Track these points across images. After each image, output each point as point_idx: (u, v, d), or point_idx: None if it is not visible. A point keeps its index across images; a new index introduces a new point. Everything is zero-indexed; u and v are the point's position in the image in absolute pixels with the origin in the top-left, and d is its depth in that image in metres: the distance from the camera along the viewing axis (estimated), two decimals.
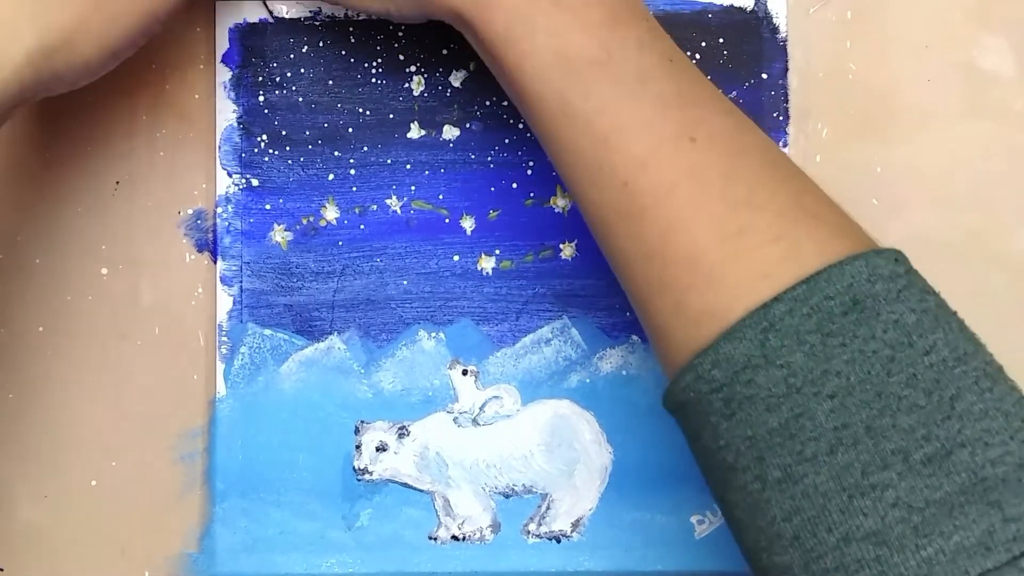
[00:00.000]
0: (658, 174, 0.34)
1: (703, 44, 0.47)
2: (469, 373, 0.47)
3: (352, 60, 0.47)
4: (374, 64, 0.47)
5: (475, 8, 0.36)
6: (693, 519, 0.46)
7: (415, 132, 0.47)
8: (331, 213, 0.47)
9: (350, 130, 0.47)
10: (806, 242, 0.33)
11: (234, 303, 0.47)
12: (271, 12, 0.47)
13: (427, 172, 0.47)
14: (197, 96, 0.47)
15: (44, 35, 0.37)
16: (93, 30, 0.38)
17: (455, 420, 0.47)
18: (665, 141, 0.34)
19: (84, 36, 0.38)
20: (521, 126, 0.47)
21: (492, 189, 0.47)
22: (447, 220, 0.47)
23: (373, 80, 0.47)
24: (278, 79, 0.47)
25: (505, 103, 0.47)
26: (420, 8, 0.39)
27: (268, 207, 0.47)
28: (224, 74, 0.47)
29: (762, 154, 0.35)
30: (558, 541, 0.46)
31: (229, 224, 0.47)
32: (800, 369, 0.31)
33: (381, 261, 0.47)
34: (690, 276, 0.33)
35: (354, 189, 0.47)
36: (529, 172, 0.47)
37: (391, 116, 0.47)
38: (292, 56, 0.47)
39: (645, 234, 0.34)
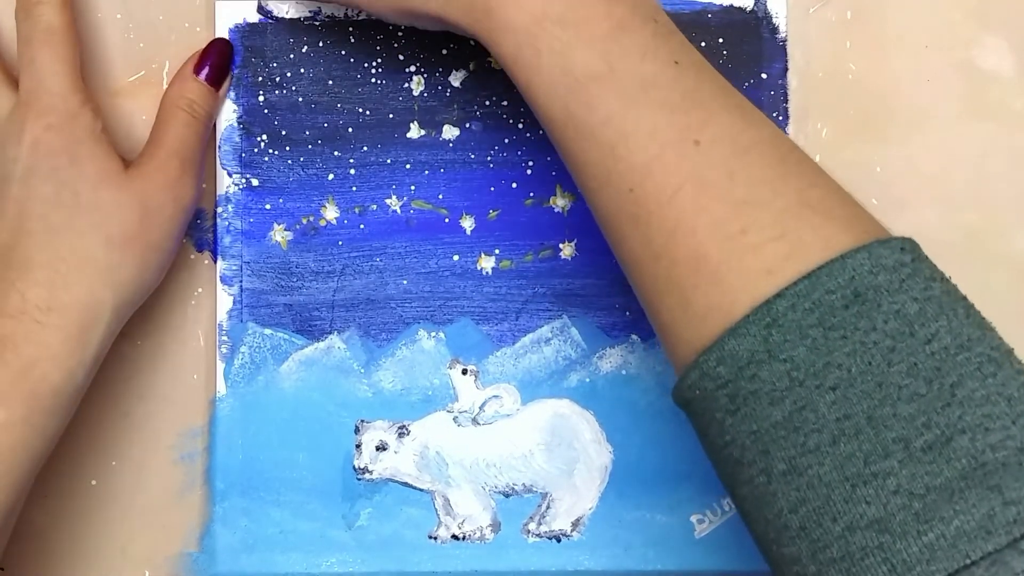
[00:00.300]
0: (662, 179, 0.34)
1: (703, 44, 0.47)
2: (469, 372, 0.47)
3: (352, 60, 0.47)
4: (374, 64, 0.47)
5: (486, 31, 0.37)
6: (693, 518, 0.46)
7: (415, 132, 0.47)
8: (331, 213, 0.47)
9: (350, 130, 0.47)
10: (810, 237, 0.33)
11: (234, 303, 0.47)
12: (268, 13, 0.47)
13: (427, 172, 0.47)
14: None
15: (119, 292, 0.42)
16: (152, 263, 0.43)
17: (455, 419, 0.47)
18: (668, 147, 0.34)
19: (147, 272, 0.43)
20: (521, 126, 0.47)
21: (492, 189, 0.47)
22: (447, 220, 0.47)
23: (373, 80, 0.47)
24: (278, 79, 0.47)
25: (505, 103, 0.47)
26: (439, 25, 0.39)
27: (268, 207, 0.47)
28: None
29: (768, 150, 0.35)
30: (558, 540, 0.46)
31: (229, 224, 0.47)
32: (802, 363, 0.31)
33: (381, 261, 0.47)
34: (695, 275, 0.33)
35: (354, 189, 0.47)
36: (529, 172, 0.47)
37: (391, 116, 0.47)
38: (292, 56, 0.47)
39: (652, 236, 0.34)
